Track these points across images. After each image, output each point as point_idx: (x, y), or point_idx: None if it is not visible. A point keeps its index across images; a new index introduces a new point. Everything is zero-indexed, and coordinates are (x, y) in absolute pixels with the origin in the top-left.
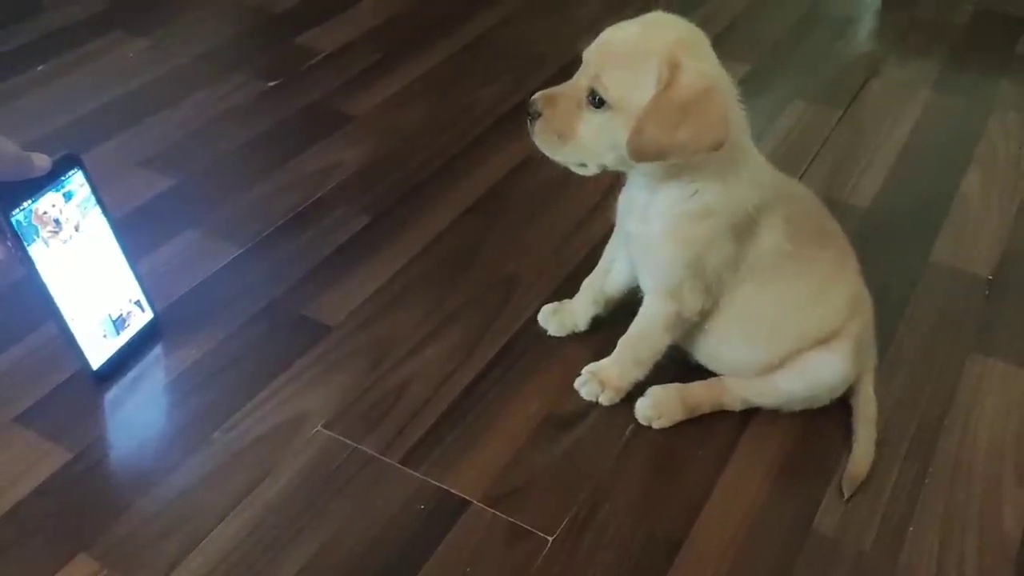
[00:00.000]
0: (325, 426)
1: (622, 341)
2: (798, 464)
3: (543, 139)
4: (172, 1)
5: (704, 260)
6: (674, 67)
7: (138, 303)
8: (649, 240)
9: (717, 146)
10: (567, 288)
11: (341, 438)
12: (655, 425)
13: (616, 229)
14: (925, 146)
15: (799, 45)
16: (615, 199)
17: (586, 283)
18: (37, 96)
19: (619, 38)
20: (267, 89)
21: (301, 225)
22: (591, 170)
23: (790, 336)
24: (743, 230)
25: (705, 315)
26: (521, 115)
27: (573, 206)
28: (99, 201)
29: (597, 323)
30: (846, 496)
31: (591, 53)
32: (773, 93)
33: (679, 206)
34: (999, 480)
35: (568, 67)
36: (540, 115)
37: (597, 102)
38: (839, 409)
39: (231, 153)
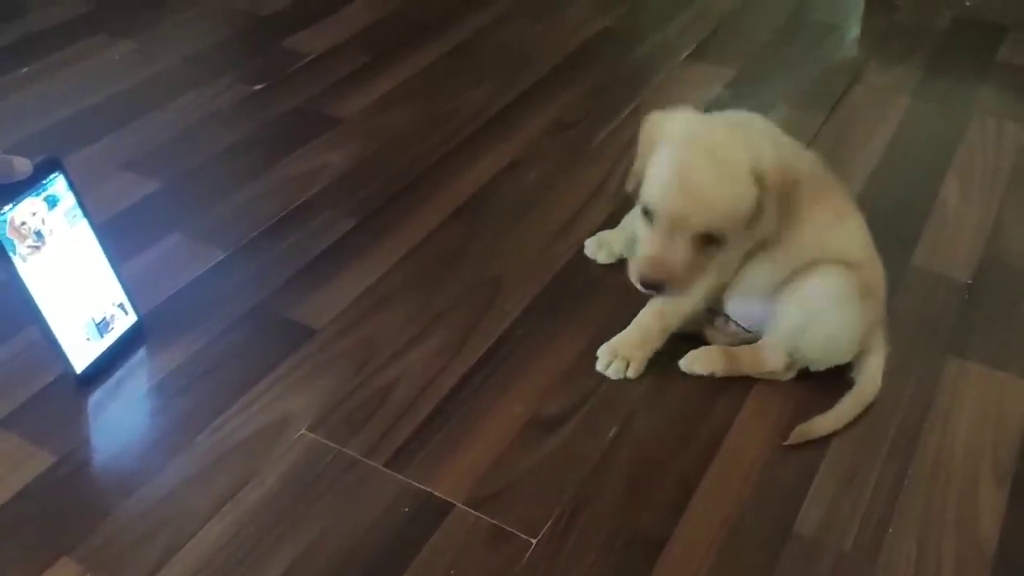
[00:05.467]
0: (309, 429)
1: (647, 311)
2: (780, 464)
3: (682, 293)
4: (158, 4)
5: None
6: (760, 176)
7: (121, 306)
8: None
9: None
10: (553, 290)
11: (325, 441)
12: (695, 368)
13: None
14: (906, 151)
15: (783, 50)
16: (600, 203)
17: (627, 218)
18: (19, 98)
19: (706, 184)
20: (253, 92)
21: (286, 228)
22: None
23: (807, 250)
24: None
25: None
26: (507, 117)
27: (559, 209)
28: (81, 205)
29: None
30: (785, 442)
31: (683, 207)
32: (757, 97)
33: None
34: (977, 482)
35: (557, 69)
36: (663, 284)
37: (708, 239)
38: (826, 407)
39: (216, 156)
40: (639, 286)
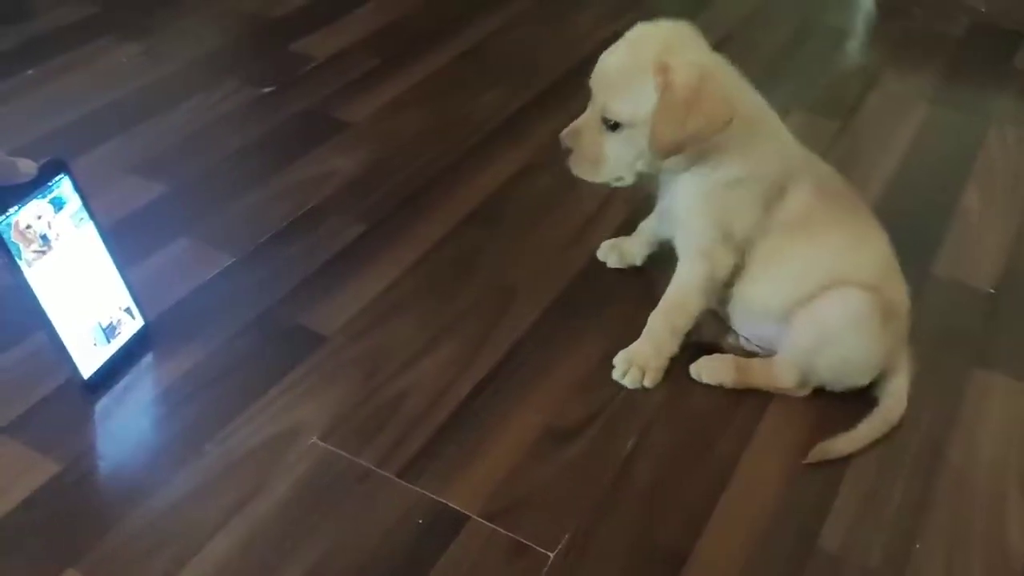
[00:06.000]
0: (320, 438)
1: (654, 315)
2: (801, 478)
3: (580, 169)
4: (165, 6)
5: (733, 224)
6: (664, 71)
7: (128, 311)
8: (682, 210)
9: (725, 124)
10: (568, 297)
11: (337, 450)
12: (703, 376)
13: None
14: (924, 159)
15: (795, 56)
16: (615, 208)
17: (642, 225)
18: (26, 101)
19: (612, 64)
20: (261, 95)
21: (295, 233)
22: (628, 181)
23: (821, 275)
24: (771, 198)
25: (736, 272)
26: (519, 122)
27: (572, 215)
28: (87, 207)
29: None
30: (805, 460)
31: (594, 83)
32: (770, 102)
33: (708, 180)
34: (1004, 495)
35: (568, 73)
36: (571, 151)
37: (613, 126)
38: (847, 424)
39: (224, 160)
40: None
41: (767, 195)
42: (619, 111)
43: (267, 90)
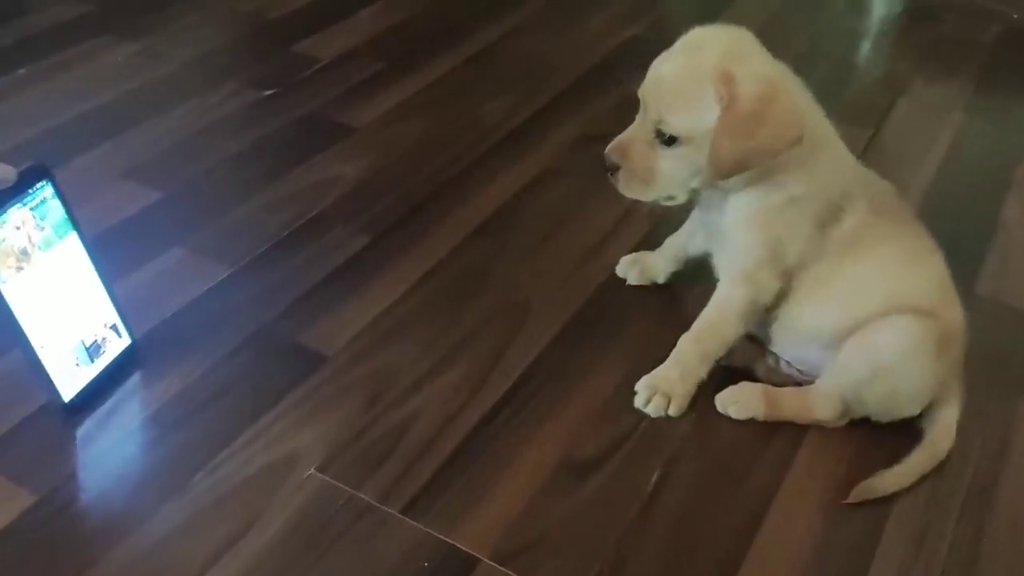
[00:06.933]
0: (319, 469)
1: (685, 338)
2: (842, 519)
3: (629, 187)
4: (164, 5)
5: (786, 246)
6: (728, 82)
7: (114, 328)
8: (730, 227)
9: (796, 140)
10: (586, 316)
11: (336, 483)
12: (731, 411)
13: (695, 213)
14: (962, 170)
15: (820, 62)
16: (634, 221)
17: (669, 241)
18: (16, 101)
19: (669, 72)
20: (261, 99)
21: (295, 244)
22: (681, 199)
23: (874, 296)
24: (827, 217)
25: (780, 298)
26: (531, 129)
27: (589, 228)
28: (71, 216)
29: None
30: (846, 500)
31: (647, 93)
32: None
33: (763, 200)
34: None
35: (581, 79)
36: (618, 167)
37: (668, 140)
38: (889, 456)
39: (222, 166)
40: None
41: (823, 216)
42: (677, 124)
43: (268, 93)
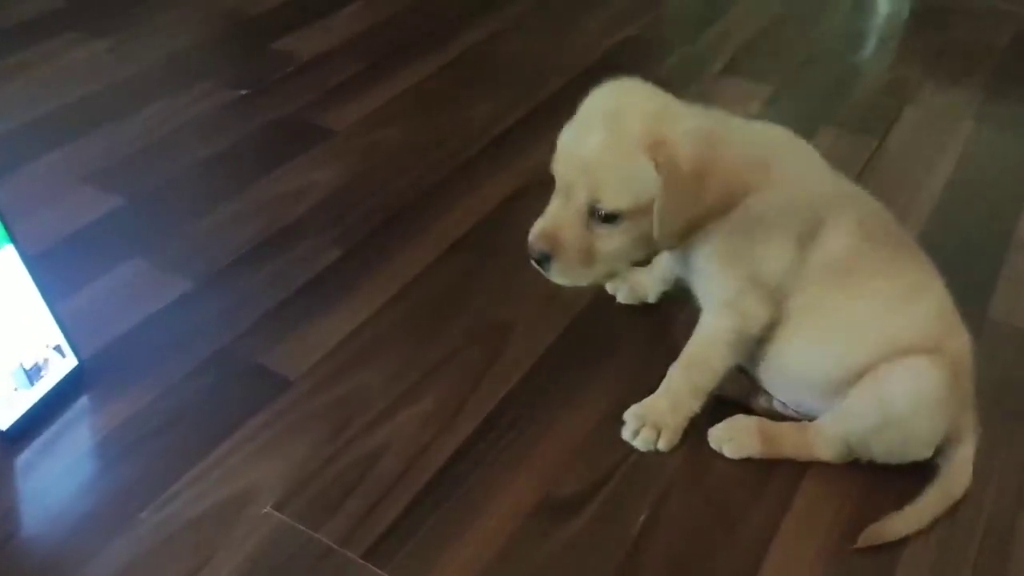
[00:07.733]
0: (275, 507)
1: (674, 369)
2: (850, 562)
3: (567, 275)
4: (136, 1)
5: (761, 267)
6: (663, 147)
7: (58, 348)
8: (702, 261)
9: (745, 188)
10: (571, 339)
11: (294, 523)
12: (725, 450)
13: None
14: (971, 184)
15: (825, 66)
16: None
17: (657, 260)
18: None
19: (592, 149)
20: (235, 99)
21: (264, 257)
22: (623, 272)
23: (871, 339)
24: (805, 233)
25: (771, 328)
26: (516, 138)
27: None
28: (6, 228)
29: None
30: (855, 545)
31: (569, 173)
32: (799, 119)
33: (729, 226)
34: None
35: (572, 85)
36: (550, 257)
37: (607, 218)
38: (898, 493)
39: (190, 170)
40: (532, 260)
41: (800, 230)
42: (617, 202)
43: (242, 93)
